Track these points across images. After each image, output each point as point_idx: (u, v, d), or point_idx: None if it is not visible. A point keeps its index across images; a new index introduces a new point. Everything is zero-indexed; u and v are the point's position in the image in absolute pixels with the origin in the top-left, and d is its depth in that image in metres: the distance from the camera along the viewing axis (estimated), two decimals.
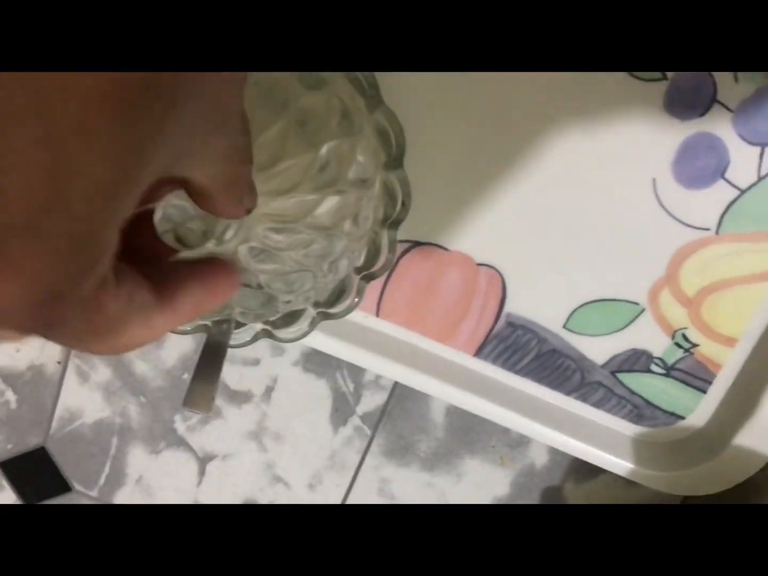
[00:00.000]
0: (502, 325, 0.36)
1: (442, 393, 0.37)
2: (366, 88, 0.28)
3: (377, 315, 0.37)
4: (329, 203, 0.27)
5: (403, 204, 0.28)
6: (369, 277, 0.30)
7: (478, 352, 0.37)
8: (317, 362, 0.39)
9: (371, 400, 0.39)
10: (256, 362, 0.39)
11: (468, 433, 0.39)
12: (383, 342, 0.37)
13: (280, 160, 0.25)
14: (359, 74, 0.28)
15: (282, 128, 0.25)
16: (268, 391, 0.40)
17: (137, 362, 0.40)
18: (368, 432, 0.40)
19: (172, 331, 0.30)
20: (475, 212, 0.35)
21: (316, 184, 0.26)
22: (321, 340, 0.35)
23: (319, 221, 0.27)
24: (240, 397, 0.40)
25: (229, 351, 0.29)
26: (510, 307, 0.36)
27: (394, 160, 0.28)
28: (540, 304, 0.36)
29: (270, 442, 0.40)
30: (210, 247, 0.25)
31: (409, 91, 0.32)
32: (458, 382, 0.37)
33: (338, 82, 0.27)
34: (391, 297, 0.36)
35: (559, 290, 0.35)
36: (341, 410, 0.40)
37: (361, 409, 0.40)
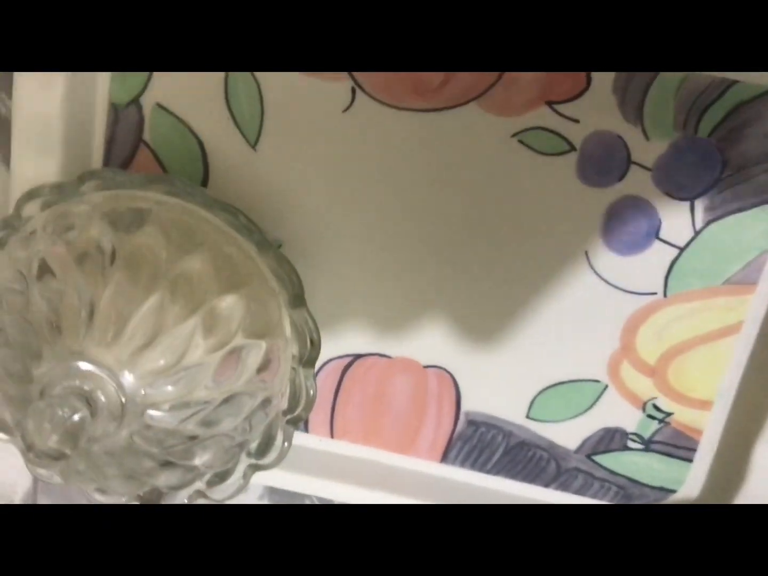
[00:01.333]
0: (463, 425, 0.34)
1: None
2: (252, 231, 0.26)
3: (332, 436, 0.35)
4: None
5: (312, 342, 0.26)
6: (295, 421, 0.28)
7: (444, 458, 0.35)
8: (282, 493, 0.37)
9: None
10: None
11: None
12: (343, 465, 0.35)
13: (159, 335, 0.23)
14: (242, 218, 0.26)
15: (156, 301, 0.23)
16: None
17: None
18: None
19: (108, 503, 0.29)
20: (410, 315, 0.33)
21: (205, 348, 0.24)
22: (278, 477, 0.34)
23: (220, 386, 0.25)
24: None
25: None
26: (467, 405, 0.34)
27: (295, 299, 0.26)
28: (497, 397, 0.34)
29: None
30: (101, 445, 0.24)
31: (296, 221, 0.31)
32: (429, 494, 0.34)
33: (216, 235, 0.26)
34: (342, 415, 0.35)
35: (513, 380, 0.33)
36: None
37: None
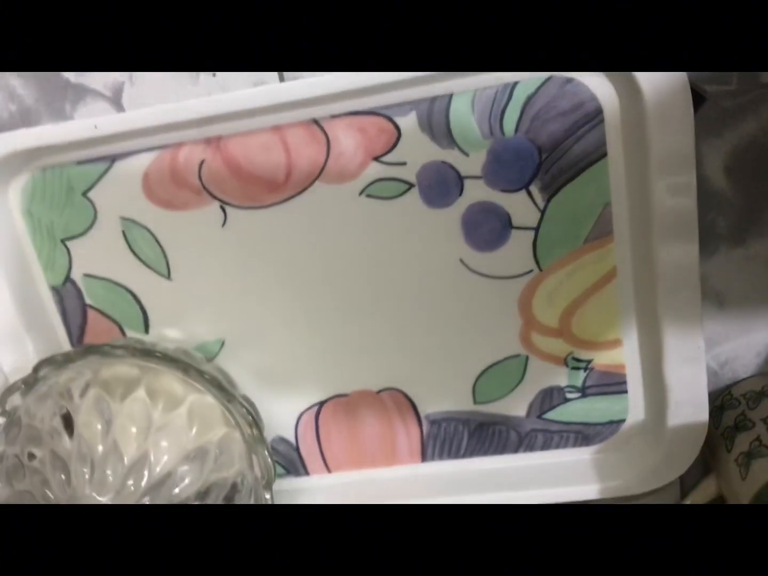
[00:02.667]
0: (427, 426, 0.40)
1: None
2: (173, 359, 0.33)
3: (330, 472, 0.41)
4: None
5: (250, 425, 0.33)
6: (268, 485, 0.34)
7: (424, 458, 0.40)
8: None
9: None
10: None
11: None
12: (347, 491, 0.41)
13: (123, 466, 0.30)
14: (158, 353, 0.33)
15: (111, 444, 0.30)
16: None
17: None
18: None
19: None
20: (349, 357, 0.39)
21: (168, 459, 0.31)
22: None
23: (191, 485, 0.32)
24: None
25: None
26: (424, 410, 0.39)
27: (226, 395, 0.33)
28: (445, 395, 0.39)
29: None
30: None
31: None
32: (424, 490, 0.40)
33: (147, 374, 0.32)
34: (330, 453, 0.41)
35: (451, 378, 0.39)
36: None
37: None
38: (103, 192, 0.36)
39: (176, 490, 0.32)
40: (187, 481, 0.32)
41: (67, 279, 0.38)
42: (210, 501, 0.33)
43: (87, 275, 0.37)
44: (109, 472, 0.30)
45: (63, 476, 0.30)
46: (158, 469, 0.31)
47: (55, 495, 0.30)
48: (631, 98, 0.32)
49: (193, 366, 0.32)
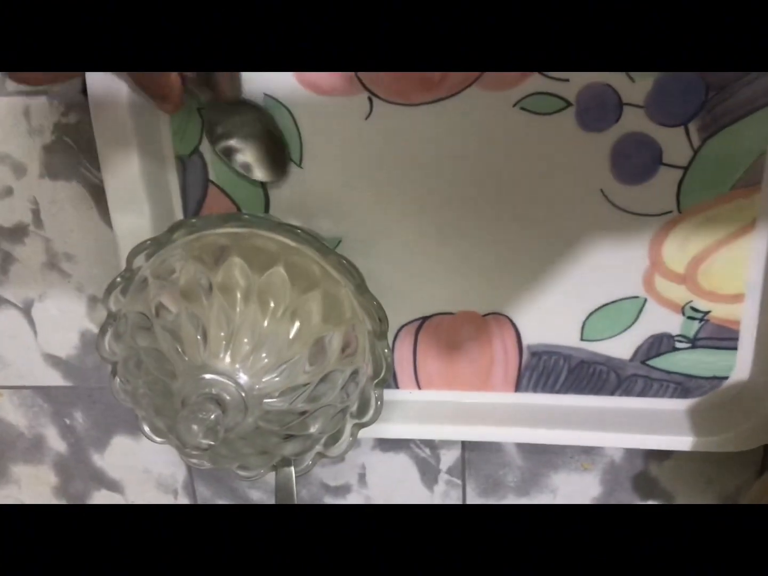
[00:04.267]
0: (527, 357, 0.39)
1: (503, 435, 0.40)
2: (313, 240, 0.32)
3: (419, 388, 0.41)
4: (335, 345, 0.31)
5: (380, 319, 0.32)
6: (381, 383, 0.34)
7: (518, 387, 0.40)
8: (390, 442, 0.43)
9: (449, 456, 0.43)
10: (342, 459, 0.44)
11: (544, 453, 0.43)
12: (434, 410, 0.41)
13: (260, 340, 0.30)
14: (301, 232, 0.32)
15: (251, 314, 0.30)
16: (362, 477, 0.45)
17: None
18: (458, 482, 0.44)
19: (245, 477, 0.35)
20: (462, 275, 0.38)
21: (298, 343, 0.31)
22: (383, 429, 0.40)
23: (316, 369, 0.31)
24: (342, 490, 0.45)
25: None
26: (527, 339, 0.39)
27: (358, 288, 0.32)
28: (552, 328, 0.39)
29: None
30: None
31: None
32: (512, 420, 0.40)
33: (285, 251, 0.31)
34: (424, 369, 0.40)
35: (563, 311, 0.38)
36: (428, 473, 0.44)
37: (444, 465, 0.44)
38: None
39: (301, 373, 0.31)
40: (311, 366, 0.31)
41: (195, 150, 0.37)
42: (326, 390, 0.32)
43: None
44: (246, 340, 0.30)
45: (200, 337, 0.30)
46: (289, 348, 0.30)
47: (189, 355, 0.29)
48: None
49: (333, 251, 0.31)
